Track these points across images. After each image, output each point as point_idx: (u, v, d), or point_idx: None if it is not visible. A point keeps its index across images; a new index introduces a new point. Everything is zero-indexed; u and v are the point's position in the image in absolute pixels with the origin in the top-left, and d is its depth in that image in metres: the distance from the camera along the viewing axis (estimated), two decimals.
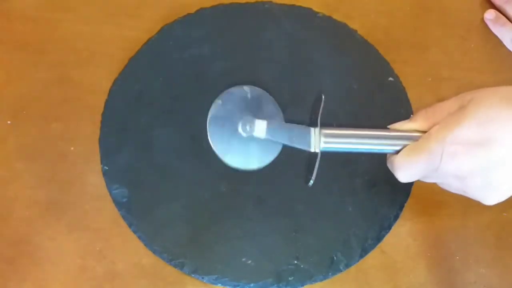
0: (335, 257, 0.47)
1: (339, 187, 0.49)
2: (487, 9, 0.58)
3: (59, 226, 0.47)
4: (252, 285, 0.46)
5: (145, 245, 0.46)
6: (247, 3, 0.53)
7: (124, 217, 0.47)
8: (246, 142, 0.46)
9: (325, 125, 0.42)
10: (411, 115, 0.42)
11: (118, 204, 0.47)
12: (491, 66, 0.56)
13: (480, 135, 0.36)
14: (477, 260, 0.49)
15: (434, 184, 0.42)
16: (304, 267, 0.47)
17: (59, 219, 0.47)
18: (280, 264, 0.46)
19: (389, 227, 0.48)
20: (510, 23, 0.57)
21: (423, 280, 0.48)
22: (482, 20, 0.57)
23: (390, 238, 0.49)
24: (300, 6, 0.53)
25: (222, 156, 0.47)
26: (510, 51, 0.56)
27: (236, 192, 0.48)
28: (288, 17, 0.53)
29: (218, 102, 0.47)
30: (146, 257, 0.47)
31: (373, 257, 0.48)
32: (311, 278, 0.46)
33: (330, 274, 0.47)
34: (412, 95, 0.52)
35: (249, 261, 0.46)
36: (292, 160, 0.47)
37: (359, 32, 0.53)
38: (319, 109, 0.43)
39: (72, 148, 0.49)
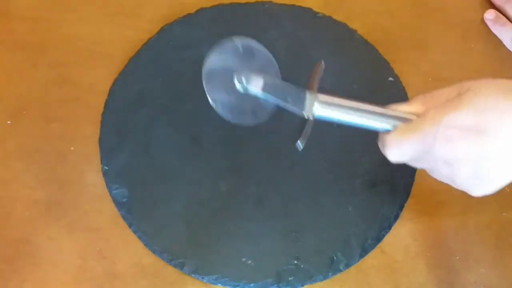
0: (335, 257, 0.47)
1: (339, 187, 0.49)
2: (487, 9, 0.58)
3: (59, 226, 0.47)
4: (252, 285, 0.46)
5: (145, 245, 0.46)
6: (247, 3, 0.53)
7: (124, 217, 0.47)
8: (242, 97, 0.43)
9: (322, 91, 0.41)
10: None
11: (118, 204, 0.47)
12: (491, 66, 0.56)
13: (477, 123, 0.36)
14: (477, 260, 0.49)
15: (434, 184, 0.42)
16: (304, 267, 0.47)
17: (59, 219, 0.47)
18: (280, 264, 0.46)
19: (389, 227, 0.48)
20: (510, 23, 0.57)
21: (423, 280, 0.48)
22: (482, 20, 0.57)
23: (390, 238, 0.49)
24: (300, 6, 0.53)
25: (219, 110, 0.44)
26: (510, 51, 0.56)
27: (236, 192, 0.48)
28: (288, 17, 0.53)
29: (212, 56, 0.44)
30: (146, 257, 0.47)
31: (373, 257, 0.48)
32: (311, 278, 0.46)
33: (330, 274, 0.47)
34: (412, 95, 0.52)
35: (249, 261, 0.46)
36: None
37: (359, 32, 0.54)
38: (316, 75, 0.42)
39: (72, 148, 0.49)
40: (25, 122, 0.49)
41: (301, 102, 0.41)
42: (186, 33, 0.51)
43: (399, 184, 0.49)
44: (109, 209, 0.47)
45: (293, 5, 0.53)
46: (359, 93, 0.52)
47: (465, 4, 0.58)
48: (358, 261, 0.47)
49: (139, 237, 0.46)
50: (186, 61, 0.50)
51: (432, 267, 0.49)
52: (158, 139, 0.48)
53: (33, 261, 0.46)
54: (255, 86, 0.41)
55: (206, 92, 0.43)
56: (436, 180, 0.41)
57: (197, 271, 0.46)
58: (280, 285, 0.46)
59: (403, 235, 0.50)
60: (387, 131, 0.40)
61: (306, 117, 0.41)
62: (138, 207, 0.47)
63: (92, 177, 0.48)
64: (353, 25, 0.54)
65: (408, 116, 0.40)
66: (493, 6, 0.58)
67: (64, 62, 0.51)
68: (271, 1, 0.53)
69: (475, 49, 0.56)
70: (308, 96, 0.41)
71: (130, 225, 0.46)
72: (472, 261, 0.49)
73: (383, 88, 0.52)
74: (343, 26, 0.53)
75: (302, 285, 0.47)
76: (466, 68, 0.55)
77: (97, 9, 0.53)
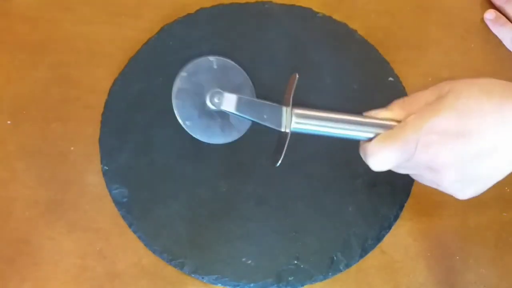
0: (335, 257, 0.47)
1: (339, 187, 0.49)
2: (487, 9, 0.58)
3: (59, 226, 0.47)
4: (252, 285, 0.46)
5: (145, 245, 0.46)
6: (247, 3, 0.53)
7: (124, 217, 0.47)
8: (213, 116, 0.44)
9: (297, 105, 0.41)
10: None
11: (118, 204, 0.47)
12: (491, 66, 0.56)
13: (459, 127, 0.36)
14: (477, 260, 0.49)
15: None
16: (304, 267, 0.47)
17: (59, 219, 0.47)
18: (280, 264, 0.47)
19: (389, 227, 0.49)
20: (510, 23, 0.57)
21: (423, 280, 0.48)
22: (482, 20, 0.57)
23: (390, 238, 0.49)
24: (300, 6, 0.53)
25: (188, 129, 0.45)
26: (510, 51, 0.56)
27: (236, 192, 0.48)
28: (288, 17, 0.53)
29: (183, 74, 0.45)
30: (146, 257, 0.47)
31: (373, 257, 0.48)
32: (311, 278, 0.47)
33: (330, 274, 0.47)
34: None
35: (249, 261, 0.46)
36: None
37: (359, 32, 0.53)
38: (291, 88, 0.42)
39: (72, 148, 0.49)
40: (25, 122, 0.49)
41: (277, 119, 0.41)
42: (186, 33, 0.51)
43: (399, 184, 0.49)
44: (109, 209, 0.47)
45: (293, 5, 0.53)
46: (359, 93, 0.52)
47: (465, 4, 0.58)
48: (358, 261, 0.47)
49: (139, 237, 0.46)
50: (186, 61, 0.50)
51: (432, 267, 0.49)
52: (158, 139, 0.48)
53: (33, 261, 0.46)
54: (229, 106, 0.41)
55: (175, 112, 0.44)
56: None
57: (197, 271, 0.46)
58: (280, 285, 0.46)
59: (403, 235, 0.50)
60: (369, 139, 0.40)
61: (284, 132, 0.41)
62: (138, 207, 0.47)
63: (92, 177, 0.48)
64: (353, 25, 0.54)
65: (388, 123, 0.39)
66: (493, 6, 0.58)
67: (64, 62, 0.51)
68: (271, 1, 0.53)
69: (475, 49, 0.56)
70: (284, 111, 0.41)
71: (130, 225, 0.46)
72: (472, 261, 0.49)
73: (383, 88, 0.52)
74: (343, 26, 0.53)
75: (302, 285, 0.47)
76: (466, 68, 0.55)
77: (97, 9, 0.53)
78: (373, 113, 0.41)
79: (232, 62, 0.47)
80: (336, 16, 0.54)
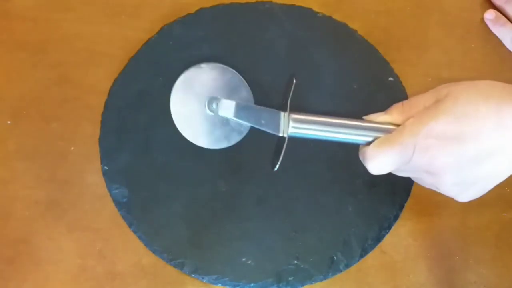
0: (335, 257, 0.47)
1: (339, 187, 0.49)
2: (487, 9, 0.58)
3: (59, 226, 0.47)
4: (252, 285, 0.46)
5: (145, 245, 0.46)
6: (247, 3, 0.53)
7: (124, 217, 0.47)
8: (213, 122, 0.45)
9: (295, 110, 0.41)
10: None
11: (118, 204, 0.47)
12: (491, 66, 0.56)
13: (457, 130, 0.36)
14: (477, 260, 0.49)
15: None
16: (304, 267, 0.47)
17: (59, 219, 0.47)
18: (280, 264, 0.47)
19: (389, 227, 0.49)
20: (510, 23, 0.57)
21: (423, 280, 0.48)
22: (482, 20, 0.57)
23: (390, 238, 0.49)
24: (300, 6, 0.53)
25: (189, 137, 0.46)
26: (510, 51, 0.56)
27: (236, 192, 0.48)
28: (288, 17, 0.53)
29: (178, 84, 0.46)
30: (146, 257, 0.47)
31: (373, 257, 0.48)
32: (311, 278, 0.47)
33: (330, 274, 0.47)
34: (412, 95, 0.52)
35: (249, 261, 0.46)
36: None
37: (359, 32, 0.53)
38: (289, 93, 0.43)
39: (72, 148, 0.49)
40: (25, 122, 0.49)
41: (275, 124, 0.42)
42: (187, 33, 0.51)
43: (399, 184, 0.49)
44: (109, 209, 0.47)
45: (293, 5, 0.53)
46: (359, 93, 0.52)
47: (465, 4, 0.58)
48: (358, 261, 0.47)
49: (139, 237, 0.46)
50: (186, 61, 0.50)
51: (432, 267, 0.49)
52: (158, 139, 0.48)
53: (33, 261, 0.46)
54: (227, 111, 0.43)
55: (174, 120, 0.45)
56: None
57: (197, 271, 0.46)
58: (280, 285, 0.46)
59: (403, 235, 0.50)
60: (368, 143, 0.40)
61: (282, 136, 0.42)
62: (138, 207, 0.47)
63: (92, 177, 0.48)
64: (353, 25, 0.54)
65: (387, 127, 0.40)
66: (493, 6, 0.58)
67: (64, 62, 0.51)
68: (271, 1, 0.53)
69: (475, 49, 0.56)
70: (282, 116, 0.42)
71: (130, 225, 0.46)
72: (472, 261, 0.49)
73: (383, 88, 0.52)
74: (343, 26, 0.53)
75: (302, 285, 0.47)
76: (466, 68, 0.55)
77: (97, 9, 0.53)
78: (372, 116, 0.41)
79: (226, 66, 0.48)
80: (336, 16, 0.54)
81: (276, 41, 0.52)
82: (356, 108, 0.51)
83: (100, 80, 0.50)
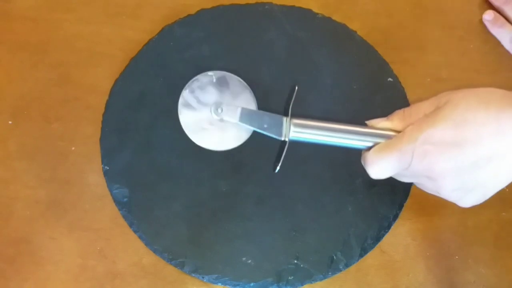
0: (334, 257, 0.47)
1: (339, 187, 0.49)
2: (486, 10, 0.58)
3: (60, 225, 0.47)
4: (252, 284, 0.46)
5: (146, 244, 0.46)
6: (247, 4, 0.53)
7: (124, 217, 0.47)
8: (219, 126, 0.47)
9: (297, 115, 0.43)
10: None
11: (118, 203, 0.47)
12: (490, 66, 0.56)
13: (456, 136, 0.36)
14: (476, 260, 0.50)
15: None
16: (304, 267, 0.47)
17: (60, 219, 0.47)
18: (280, 263, 0.47)
19: (388, 227, 0.49)
20: (508, 24, 0.57)
21: (422, 279, 0.49)
22: (481, 21, 0.58)
23: (389, 238, 0.49)
24: (300, 7, 0.54)
25: (197, 141, 0.48)
26: (508, 51, 0.57)
27: (236, 192, 0.48)
28: (288, 18, 0.53)
29: (185, 91, 0.48)
30: (147, 257, 0.47)
31: (372, 257, 0.49)
32: (311, 278, 0.47)
33: (329, 273, 0.47)
34: (411, 95, 0.52)
35: (249, 261, 0.46)
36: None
37: (358, 32, 0.54)
38: (291, 99, 0.45)
39: (73, 148, 0.49)
40: (26, 122, 0.49)
41: (277, 128, 0.44)
42: (187, 33, 0.51)
43: (398, 184, 0.49)
44: (110, 209, 0.47)
45: (293, 6, 0.54)
46: (358, 93, 0.52)
47: (464, 5, 0.58)
48: (357, 260, 0.48)
49: (140, 237, 0.46)
50: (186, 61, 0.51)
51: (432, 267, 0.49)
52: (159, 139, 0.48)
53: (33, 261, 0.46)
54: (232, 117, 0.46)
55: (184, 129, 0.47)
56: None
57: (197, 271, 0.46)
58: (280, 284, 0.46)
59: (402, 235, 0.50)
60: (368, 148, 0.41)
61: (284, 140, 0.44)
62: (139, 206, 0.47)
63: (93, 177, 0.48)
64: (352, 26, 0.54)
65: (387, 133, 0.41)
66: (492, 7, 0.58)
67: (64, 62, 0.51)
68: (271, 2, 0.53)
69: (473, 49, 0.57)
70: (284, 121, 0.44)
71: (130, 225, 0.47)
72: (471, 260, 0.50)
73: (383, 89, 0.52)
74: (343, 27, 0.54)
75: (302, 285, 0.47)
76: (464, 69, 0.56)
77: (98, 9, 0.53)
78: (373, 122, 0.42)
79: (231, 74, 0.50)
80: (336, 17, 0.54)
81: (276, 41, 0.52)
82: (356, 108, 0.52)
83: (100, 80, 0.50)
